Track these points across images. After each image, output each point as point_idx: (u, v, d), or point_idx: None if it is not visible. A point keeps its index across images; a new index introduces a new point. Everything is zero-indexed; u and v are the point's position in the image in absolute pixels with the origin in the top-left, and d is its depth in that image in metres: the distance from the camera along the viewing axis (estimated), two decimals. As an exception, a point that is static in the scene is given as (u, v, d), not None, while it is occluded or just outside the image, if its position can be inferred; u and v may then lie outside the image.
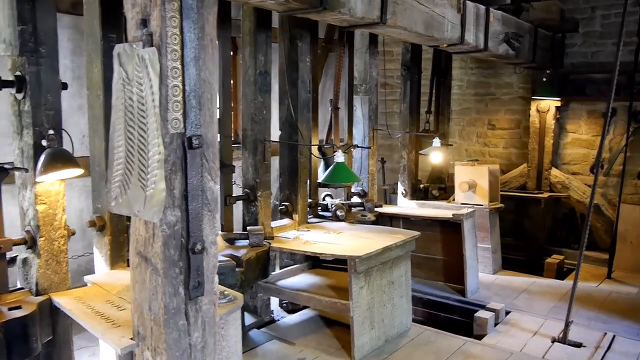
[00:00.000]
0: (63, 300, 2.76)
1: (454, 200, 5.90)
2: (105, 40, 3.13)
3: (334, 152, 5.04)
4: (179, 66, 2.05)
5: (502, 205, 5.76)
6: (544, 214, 6.51)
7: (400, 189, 6.24)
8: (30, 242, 2.86)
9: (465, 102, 7.37)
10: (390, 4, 3.27)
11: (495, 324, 4.46)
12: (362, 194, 5.52)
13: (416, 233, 4.24)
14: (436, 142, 5.46)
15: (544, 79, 6.20)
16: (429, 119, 6.43)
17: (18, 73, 2.77)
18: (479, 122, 7.32)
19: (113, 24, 3.16)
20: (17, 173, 2.90)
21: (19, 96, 2.80)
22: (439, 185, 6.43)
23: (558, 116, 6.50)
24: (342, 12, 2.98)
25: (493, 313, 4.43)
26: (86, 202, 5.15)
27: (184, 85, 2.06)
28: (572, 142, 6.65)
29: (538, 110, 6.47)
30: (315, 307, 4.07)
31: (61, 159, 2.72)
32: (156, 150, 2.02)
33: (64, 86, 2.92)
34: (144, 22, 2.06)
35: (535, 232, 6.54)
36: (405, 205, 6.08)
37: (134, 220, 2.20)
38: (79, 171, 2.80)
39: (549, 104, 6.39)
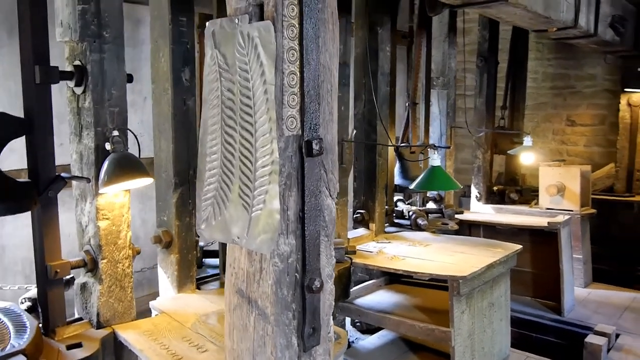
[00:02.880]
0: (131, 337, 2.30)
1: (536, 204, 5.29)
2: (174, 25, 2.67)
3: (411, 152, 4.53)
4: (297, 47, 1.54)
5: (594, 210, 5.13)
6: (635, 220, 5.83)
7: (474, 192, 5.66)
8: (91, 265, 2.41)
9: (541, 96, 6.72)
10: (514, -24, 2.74)
11: (608, 350, 3.86)
12: (438, 199, 4.96)
13: (518, 246, 3.66)
14: (527, 140, 4.85)
15: (640, 69, 5.52)
16: (504, 115, 5.84)
17: (77, 62, 2.31)
18: (556, 118, 6.66)
19: (183, 6, 2.70)
20: (74, 182, 2.44)
21: (78, 90, 2.34)
22: (516, 188, 5.83)
23: (653, 110, 5.81)
24: (468, -16, 2.46)
25: (606, 338, 3.83)
26: (138, 207, 4.73)
27: (302, 72, 1.56)
28: (666, 139, 5.95)
29: (630, 104, 5.79)
30: (406, 334, 3.57)
31: (129, 165, 2.26)
32: (268, 158, 1.52)
33: (129, 78, 2.46)
34: (251, -11, 1.56)
35: (626, 239, 5.86)
36: (481, 211, 5.49)
37: (231, 248, 1.71)
38: (149, 180, 2.34)
39: (643, 97, 5.71)
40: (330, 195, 1.72)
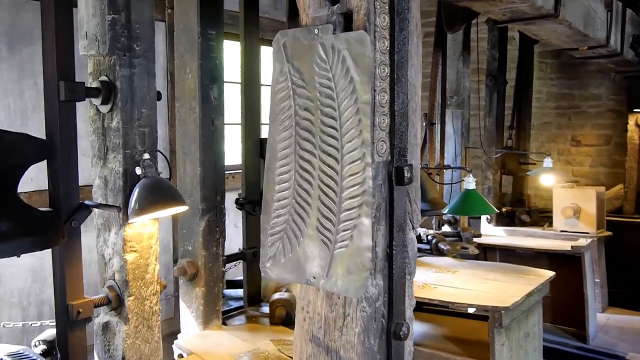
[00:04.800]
0: (163, 383, 2.06)
1: (549, 226, 5.17)
2: (203, 39, 2.47)
3: (429, 174, 4.36)
4: (387, 61, 1.36)
5: (610, 233, 5.01)
6: (645, 242, 5.75)
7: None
8: (116, 302, 2.16)
9: (545, 116, 6.65)
10: (563, -7, 2.62)
11: (641, 382, 3.71)
12: (453, 222, 4.80)
13: (550, 273, 3.50)
14: (547, 162, 4.73)
15: (648, 89, 5.48)
16: (511, 135, 5.75)
17: (104, 78, 2.09)
18: (561, 138, 6.59)
19: (212, 19, 2.50)
20: (96, 210, 2.20)
21: (104, 109, 2.12)
22: (525, 209, 5.71)
23: (661, 131, 5.77)
24: (524, 0, 2.31)
25: (640, 369, 3.69)
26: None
27: (392, 90, 1.37)
28: (673, 160, 5.90)
29: (638, 125, 5.74)
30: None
31: (163, 192, 2.03)
32: (358, 188, 1.32)
33: (159, 96, 2.24)
34: (335, -4, 1.38)
35: (635, 261, 5.76)
36: (492, 233, 5.34)
37: (305, 289, 1.50)
38: (184, 208, 2.11)
39: (651, 118, 5.67)
40: (414, 228, 1.52)
